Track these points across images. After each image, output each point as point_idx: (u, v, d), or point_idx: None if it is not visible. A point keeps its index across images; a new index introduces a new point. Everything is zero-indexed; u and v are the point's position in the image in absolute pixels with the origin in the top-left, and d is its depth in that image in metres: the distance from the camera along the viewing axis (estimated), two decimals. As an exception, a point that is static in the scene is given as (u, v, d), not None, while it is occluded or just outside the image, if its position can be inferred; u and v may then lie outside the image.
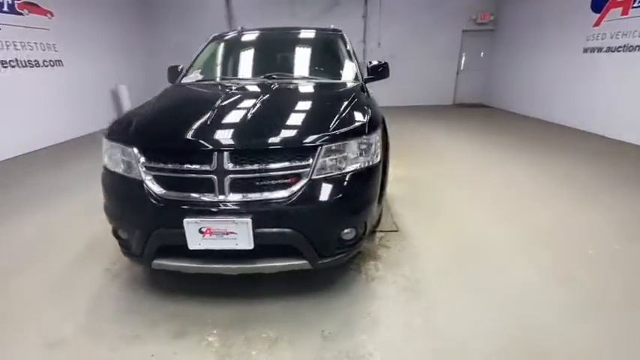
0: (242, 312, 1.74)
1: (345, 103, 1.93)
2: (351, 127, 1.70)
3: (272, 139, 1.57)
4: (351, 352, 1.49)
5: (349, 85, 2.46)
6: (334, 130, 1.65)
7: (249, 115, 1.73)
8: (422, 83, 8.93)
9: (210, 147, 1.53)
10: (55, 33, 5.42)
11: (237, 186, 1.54)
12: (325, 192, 1.57)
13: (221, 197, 1.53)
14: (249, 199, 1.53)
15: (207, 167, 1.53)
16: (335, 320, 1.68)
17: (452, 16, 8.42)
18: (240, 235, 1.49)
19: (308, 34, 3.18)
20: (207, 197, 1.54)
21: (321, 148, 1.58)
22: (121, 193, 1.69)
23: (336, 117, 1.74)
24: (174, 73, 2.82)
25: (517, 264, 2.11)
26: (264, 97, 1.98)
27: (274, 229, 1.54)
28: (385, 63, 2.87)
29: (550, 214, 2.78)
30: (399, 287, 1.91)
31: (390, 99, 8.19)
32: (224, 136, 1.59)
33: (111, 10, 6.80)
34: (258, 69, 2.79)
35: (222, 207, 1.52)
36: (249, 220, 1.47)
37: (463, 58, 8.98)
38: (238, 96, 2.09)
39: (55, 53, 5.44)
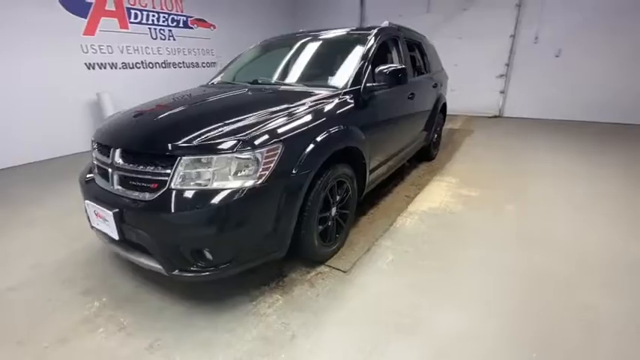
0: (132, 294, 1.96)
1: (252, 114, 1.81)
2: (221, 140, 1.59)
3: (145, 144, 1.67)
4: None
5: (320, 94, 2.19)
6: (202, 141, 1.58)
7: (159, 119, 1.88)
8: (603, 91, 6.41)
9: (109, 144, 1.78)
10: (213, 40, 7.04)
11: (120, 180, 1.73)
12: (179, 204, 1.55)
13: (111, 188, 1.76)
14: (122, 194, 1.70)
15: (107, 160, 1.79)
16: (174, 332, 1.67)
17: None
18: (110, 224, 1.69)
19: (332, 36, 2.96)
20: (104, 185, 1.81)
21: (180, 159, 1.56)
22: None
23: (217, 128, 1.66)
24: None
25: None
26: (199, 102, 2.07)
27: (134, 227, 1.65)
28: (402, 68, 2.38)
29: None
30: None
31: (560, 109, 6.60)
32: (122, 135, 1.81)
33: (261, 18, 8.16)
34: (255, 74, 2.86)
35: (107, 196, 1.75)
36: (113, 212, 1.64)
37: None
38: (189, 100, 2.27)
39: (211, 57, 7.10)
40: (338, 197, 2.17)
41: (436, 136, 4.43)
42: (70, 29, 4.89)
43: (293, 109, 1.93)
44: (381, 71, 2.40)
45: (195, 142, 1.59)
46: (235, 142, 1.58)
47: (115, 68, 5.50)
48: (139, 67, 5.84)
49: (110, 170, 1.77)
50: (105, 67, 5.37)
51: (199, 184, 1.57)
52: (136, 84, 5.77)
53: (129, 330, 1.70)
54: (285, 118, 1.80)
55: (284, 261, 2.15)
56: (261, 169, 1.59)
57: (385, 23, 3.20)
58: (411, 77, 3.21)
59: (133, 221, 1.65)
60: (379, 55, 2.71)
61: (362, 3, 8.26)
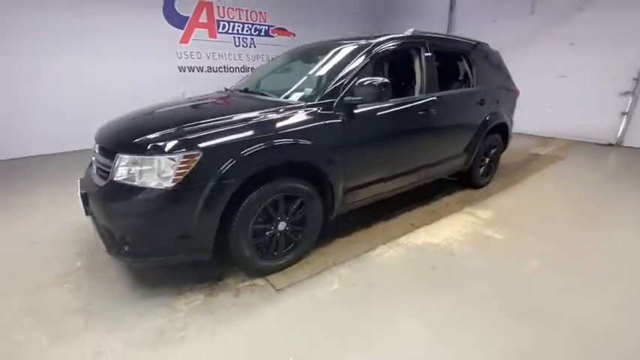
0: (105, 264, 2.30)
1: (200, 122, 1.93)
2: (150, 143, 1.75)
3: (106, 141, 1.98)
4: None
5: (287, 105, 2.18)
6: (136, 142, 1.78)
7: (128, 122, 2.18)
8: None
9: (95, 139, 2.15)
10: (289, 47, 7.50)
11: (96, 170, 2.08)
12: (111, 194, 1.80)
13: (93, 175, 2.12)
14: (94, 182, 2.03)
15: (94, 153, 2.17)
16: (105, 302, 1.91)
17: None
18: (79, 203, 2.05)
19: (330, 47, 2.82)
20: (92, 174, 2.19)
21: (118, 156, 1.78)
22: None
23: (160, 132, 1.84)
24: None
25: None
26: (171, 108, 2.31)
27: (90, 208, 1.97)
28: (383, 82, 2.17)
29: None
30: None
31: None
32: (102, 133, 2.16)
33: (341, 26, 8.27)
34: (254, 83, 2.94)
35: (89, 181, 2.11)
36: (80, 193, 1.99)
37: None
38: (176, 105, 2.51)
39: (288, 62, 7.60)
40: (287, 213, 2.11)
41: (487, 160, 3.76)
42: (170, 38, 5.95)
43: (240, 119, 1.97)
44: (361, 84, 2.20)
45: (131, 143, 1.80)
46: (158, 145, 1.72)
47: (201, 71, 6.44)
48: (221, 71, 6.69)
49: (93, 160, 2.15)
50: (193, 71, 6.34)
51: (128, 180, 1.77)
52: (216, 86, 6.64)
53: (83, 290, 2.04)
54: (222, 128, 1.85)
55: (231, 265, 2.21)
56: (175, 173, 1.69)
57: (409, 32, 2.91)
58: (426, 91, 2.85)
59: (90, 203, 1.97)
60: (378, 67, 2.49)
61: (452, 7, 7.55)
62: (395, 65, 3.75)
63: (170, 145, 1.72)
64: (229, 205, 1.84)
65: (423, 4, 8.19)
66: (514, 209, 3.29)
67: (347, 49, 2.60)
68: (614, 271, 2.29)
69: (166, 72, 6.04)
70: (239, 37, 6.75)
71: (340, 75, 2.32)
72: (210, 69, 6.53)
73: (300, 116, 2.10)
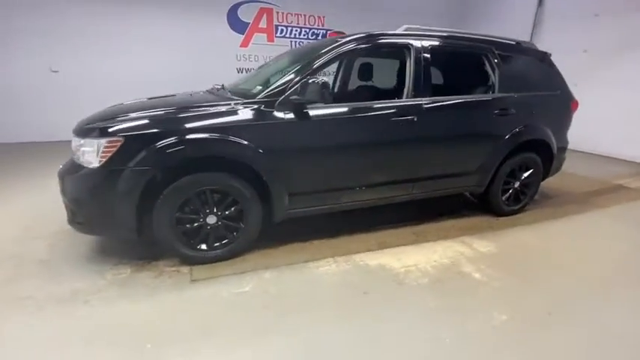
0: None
1: (150, 113, 2.12)
2: (92, 128, 1.99)
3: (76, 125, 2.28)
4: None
5: (231, 102, 2.18)
6: (85, 126, 2.05)
7: (106, 109, 2.45)
8: None
9: None
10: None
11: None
12: (67, 170, 2.08)
13: None
14: None
15: None
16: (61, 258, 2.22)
17: None
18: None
19: (310, 46, 2.74)
20: None
21: (73, 138, 2.08)
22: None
23: (112, 120, 2.06)
24: None
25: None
26: (153, 99, 2.53)
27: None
28: (322, 82, 2.06)
29: None
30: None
31: None
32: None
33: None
34: (235, 83, 3.05)
35: None
36: (58, 170, 2.37)
37: None
38: (159, 98, 2.74)
39: (344, 66, 7.56)
40: (218, 208, 2.13)
41: (516, 184, 3.09)
42: (231, 43, 6.56)
43: (178, 112, 2.08)
44: (305, 83, 2.07)
45: (81, 127, 2.07)
46: (94, 130, 1.95)
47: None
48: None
49: None
50: (250, 72, 6.86)
51: (76, 159, 2.04)
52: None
53: (54, 248, 2.40)
54: (149, 119, 2.00)
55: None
56: (101, 155, 1.89)
57: (401, 28, 2.60)
58: (414, 96, 2.50)
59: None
60: (348, 67, 2.31)
61: (540, 2, 6.39)
62: (383, 67, 3.41)
63: (101, 130, 1.93)
64: (154, 191, 1.96)
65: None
66: (529, 250, 2.62)
67: (315, 48, 2.47)
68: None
69: (225, 74, 6.66)
70: (296, 41, 7.02)
71: (289, 73, 2.23)
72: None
73: (236, 113, 2.10)
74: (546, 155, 3.15)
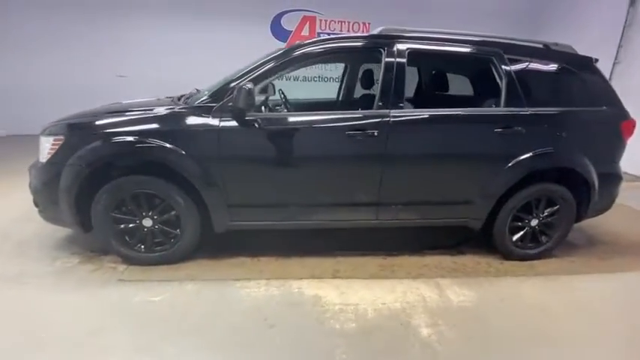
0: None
1: (109, 114, 2.21)
2: (48, 126, 2.15)
3: None
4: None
5: (173, 106, 2.17)
6: (49, 125, 2.23)
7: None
8: None
9: None
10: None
11: None
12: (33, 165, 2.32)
13: None
14: None
15: None
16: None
17: None
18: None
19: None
20: None
21: None
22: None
23: (71, 118, 2.22)
24: None
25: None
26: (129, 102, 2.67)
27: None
28: (249, 89, 1.87)
29: None
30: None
31: None
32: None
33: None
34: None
35: None
36: None
37: None
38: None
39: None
40: (153, 211, 2.13)
41: (534, 222, 2.45)
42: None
43: (118, 116, 2.14)
44: (240, 89, 1.92)
45: (46, 126, 2.26)
46: (47, 128, 2.12)
47: (297, 80, 6.97)
48: (315, 81, 7.03)
49: None
50: (289, 79, 6.94)
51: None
52: (309, 94, 7.03)
53: (33, 224, 2.64)
54: (91, 120, 2.11)
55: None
56: (47, 152, 2.04)
57: (377, 30, 2.28)
58: (382, 107, 2.16)
59: None
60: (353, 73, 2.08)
61: (632, 1, 5.08)
62: (353, 73, 3.21)
63: (51, 128, 2.10)
64: (93, 189, 2.05)
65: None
66: (520, 310, 2.02)
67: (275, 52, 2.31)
68: None
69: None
70: (338, 49, 6.89)
71: (233, 78, 2.11)
72: (305, 78, 6.98)
73: (170, 118, 2.07)
74: (581, 189, 2.43)
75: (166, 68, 6.49)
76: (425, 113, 2.23)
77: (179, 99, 2.28)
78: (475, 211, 2.38)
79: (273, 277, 2.19)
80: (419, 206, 2.36)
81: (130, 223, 2.17)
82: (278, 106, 2.82)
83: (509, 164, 2.26)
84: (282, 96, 2.84)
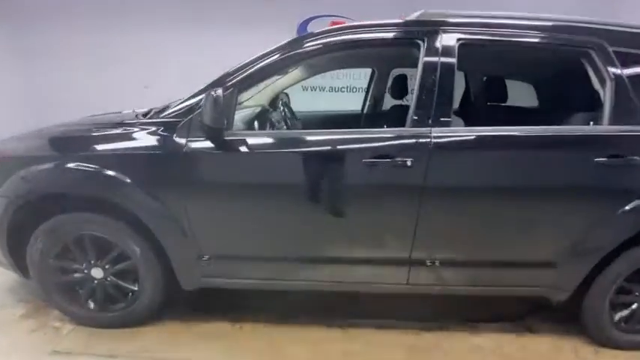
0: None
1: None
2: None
3: None
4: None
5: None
6: None
7: None
8: None
9: None
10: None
11: None
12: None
13: None
14: None
15: None
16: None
17: None
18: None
19: None
20: None
21: None
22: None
23: None
24: None
25: None
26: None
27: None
28: (216, 96, 1.31)
29: None
30: None
31: None
32: None
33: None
34: None
35: None
36: None
37: None
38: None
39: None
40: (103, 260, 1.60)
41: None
42: (299, 60, 6.27)
43: (62, 135, 1.72)
44: (208, 98, 1.35)
45: None
46: None
47: (322, 91, 6.42)
48: (342, 91, 6.43)
49: None
50: (315, 90, 6.41)
51: None
52: (333, 105, 6.45)
53: None
54: (30, 142, 1.69)
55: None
56: None
57: (414, 15, 1.62)
58: (420, 122, 1.47)
59: None
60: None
61: None
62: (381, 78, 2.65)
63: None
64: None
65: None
66: None
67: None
68: None
69: (291, 91, 6.41)
70: (369, 56, 6.28)
71: (210, 83, 1.54)
72: (332, 89, 6.42)
73: (124, 138, 1.56)
74: None
75: (195, 79, 6.24)
76: (487, 132, 1.50)
77: (145, 114, 1.75)
78: (559, 278, 1.58)
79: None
80: (471, 267, 1.62)
81: (75, 273, 1.66)
82: (286, 119, 2.23)
83: (621, 210, 1.47)
84: (284, 107, 2.22)
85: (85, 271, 1.64)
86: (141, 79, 6.32)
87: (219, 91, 1.31)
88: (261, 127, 1.87)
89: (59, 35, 5.98)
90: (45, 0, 6.02)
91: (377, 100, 2.91)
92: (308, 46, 1.56)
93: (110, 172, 1.45)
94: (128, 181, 1.45)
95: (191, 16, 6.21)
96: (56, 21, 5.98)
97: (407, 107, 2.61)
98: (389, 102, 2.97)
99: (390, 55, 2.24)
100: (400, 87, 2.56)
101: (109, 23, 6.07)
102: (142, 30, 6.17)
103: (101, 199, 1.49)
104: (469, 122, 1.58)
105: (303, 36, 1.61)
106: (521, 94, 2.43)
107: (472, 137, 1.50)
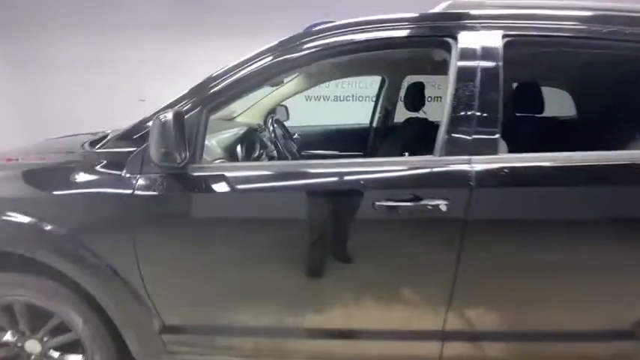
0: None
1: None
2: None
3: None
4: None
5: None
6: None
7: None
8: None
9: None
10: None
11: None
12: None
13: None
14: None
15: None
16: None
17: None
18: None
19: None
20: None
21: None
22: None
23: None
24: None
25: None
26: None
27: None
28: (178, 112, 0.93)
29: None
30: None
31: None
32: None
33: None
34: None
35: None
36: None
37: None
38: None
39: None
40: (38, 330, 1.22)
41: None
42: (302, 68, 5.95)
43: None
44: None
45: None
46: None
47: (327, 100, 6.07)
48: (348, 100, 6.07)
49: None
50: (319, 100, 6.06)
51: None
52: (340, 115, 6.08)
53: None
54: None
55: None
56: None
57: (440, 7, 1.23)
58: (456, 150, 1.07)
59: None
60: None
61: None
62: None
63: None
64: None
65: None
66: None
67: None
68: None
69: (292, 103, 6.07)
70: (376, 63, 5.94)
71: (180, 97, 1.18)
72: (337, 98, 6.06)
73: (52, 174, 1.21)
74: None
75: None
76: (553, 161, 1.07)
77: (96, 142, 1.36)
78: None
79: None
80: (525, 341, 1.20)
81: (4, 346, 1.28)
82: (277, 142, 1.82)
83: None
84: (273, 126, 1.78)
85: (19, 345, 1.27)
86: (137, 92, 6.08)
87: (169, 116, 0.94)
88: (248, 152, 1.49)
89: (52, 47, 5.76)
90: (37, 11, 5.83)
91: (388, 112, 2.52)
92: (300, 50, 1.17)
93: (34, 221, 1.09)
94: (61, 232, 1.08)
95: (191, 26, 5.95)
96: (47, 32, 5.77)
97: (424, 120, 2.26)
98: (401, 113, 2.59)
99: (405, 58, 1.84)
100: (416, 97, 2.16)
101: (104, 35, 5.85)
102: (139, 40, 5.93)
103: (25, 256, 1.12)
104: (515, 145, 1.17)
105: (293, 37, 1.22)
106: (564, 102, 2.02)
107: (531, 167, 1.09)
